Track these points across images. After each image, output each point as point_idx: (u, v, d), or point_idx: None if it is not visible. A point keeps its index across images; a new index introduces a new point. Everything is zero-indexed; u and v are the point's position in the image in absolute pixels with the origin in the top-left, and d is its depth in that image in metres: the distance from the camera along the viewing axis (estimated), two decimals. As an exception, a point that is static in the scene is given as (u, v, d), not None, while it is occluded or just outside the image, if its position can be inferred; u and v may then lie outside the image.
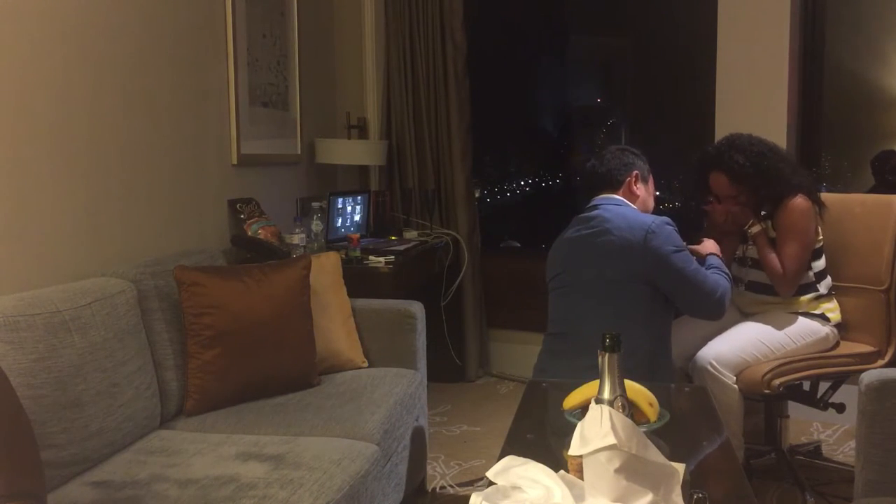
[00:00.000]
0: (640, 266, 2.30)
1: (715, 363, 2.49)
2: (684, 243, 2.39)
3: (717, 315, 2.42)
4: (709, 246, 2.57)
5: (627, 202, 2.47)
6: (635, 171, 2.50)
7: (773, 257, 2.65)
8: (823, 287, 2.72)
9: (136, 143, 2.55)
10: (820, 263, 2.74)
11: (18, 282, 2.05)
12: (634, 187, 2.50)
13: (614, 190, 2.49)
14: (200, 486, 1.78)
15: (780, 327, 2.63)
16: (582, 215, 2.48)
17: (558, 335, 2.43)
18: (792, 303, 2.70)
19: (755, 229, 2.70)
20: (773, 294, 2.71)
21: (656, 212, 2.56)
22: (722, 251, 2.72)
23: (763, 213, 2.72)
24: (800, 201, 2.63)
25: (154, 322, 2.26)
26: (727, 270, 2.46)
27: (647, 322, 2.32)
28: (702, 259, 2.49)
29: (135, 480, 1.83)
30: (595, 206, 2.46)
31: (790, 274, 2.63)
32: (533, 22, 4.74)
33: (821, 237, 2.74)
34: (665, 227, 2.33)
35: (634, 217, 2.38)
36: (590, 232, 2.39)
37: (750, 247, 2.76)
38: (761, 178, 2.65)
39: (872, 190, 3.80)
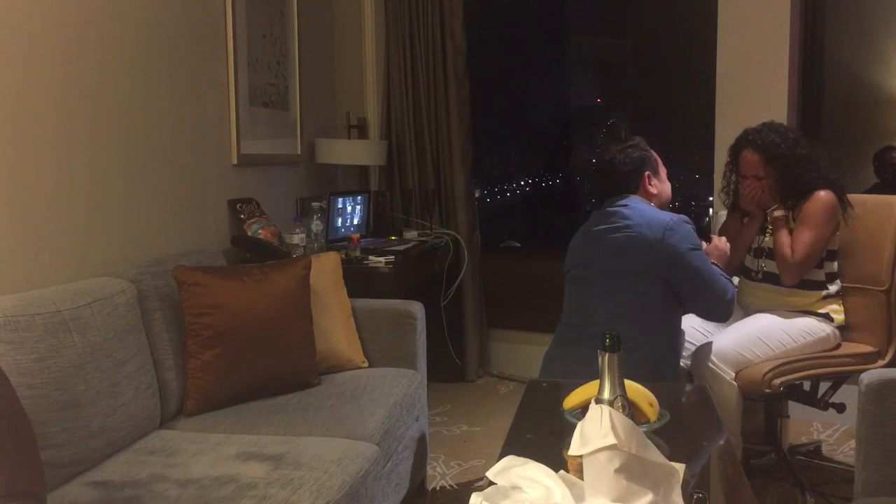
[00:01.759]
0: (656, 262, 2.34)
1: (714, 359, 2.50)
2: (701, 243, 2.43)
3: (724, 317, 2.46)
4: (712, 252, 2.56)
5: (645, 201, 2.50)
6: (647, 172, 2.53)
7: (786, 241, 2.66)
8: (833, 289, 2.73)
9: (136, 143, 2.55)
10: (834, 266, 2.74)
11: (18, 282, 2.05)
12: (649, 186, 2.53)
13: (630, 193, 2.52)
14: (200, 486, 1.78)
15: (781, 326, 2.63)
16: (603, 210, 2.52)
17: (569, 325, 2.48)
18: (800, 299, 2.70)
19: (778, 213, 2.71)
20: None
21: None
22: (743, 234, 2.72)
23: (788, 203, 2.72)
24: (825, 194, 2.65)
25: (154, 322, 2.26)
26: (727, 276, 2.47)
27: (656, 318, 2.36)
28: None
29: (135, 480, 1.83)
30: (616, 203, 2.49)
31: (798, 260, 2.64)
32: (533, 22, 4.74)
33: (837, 241, 2.73)
34: (683, 226, 2.38)
35: (653, 214, 2.42)
36: (609, 227, 2.44)
37: (767, 238, 2.76)
38: (793, 162, 2.66)
39: (874, 187, 3.80)
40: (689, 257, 2.35)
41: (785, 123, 2.79)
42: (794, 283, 2.69)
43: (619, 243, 2.39)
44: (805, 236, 2.64)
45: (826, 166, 2.72)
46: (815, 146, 2.76)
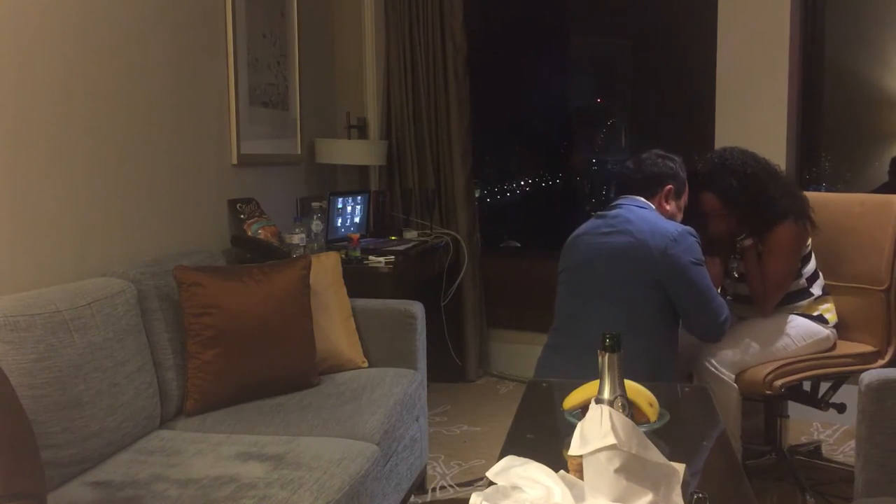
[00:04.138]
0: (656, 271, 2.28)
1: (714, 361, 2.49)
2: (703, 258, 2.37)
3: (716, 337, 2.42)
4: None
5: (653, 206, 2.45)
6: (669, 186, 2.48)
7: (756, 276, 2.65)
8: (817, 288, 2.72)
9: (137, 143, 2.55)
10: (809, 267, 2.72)
11: (18, 282, 2.05)
12: (664, 202, 2.48)
13: (644, 197, 2.47)
14: (200, 486, 1.78)
15: (781, 328, 2.63)
16: (603, 212, 2.46)
17: (561, 330, 2.42)
18: (790, 309, 2.70)
19: (747, 242, 2.68)
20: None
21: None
22: (715, 259, 2.70)
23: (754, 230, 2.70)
24: (787, 227, 2.61)
25: (154, 322, 2.26)
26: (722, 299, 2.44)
27: (652, 328, 2.30)
28: None
29: (135, 480, 1.83)
30: (619, 205, 2.43)
31: (770, 292, 2.64)
32: (533, 22, 4.74)
33: (808, 245, 2.72)
34: (688, 238, 2.31)
35: (658, 222, 2.35)
36: (609, 230, 2.38)
37: (737, 259, 2.74)
38: (752, 203, 2.62)
39: (881, 187, 3.79)
40: (691, 272, 2.29)
41: (738, 151, 2.70)
42: (771, 311, 2.67)
43: (619, 248, 2.32)
44: (773, 268, 2.62)
45: (786, 195, 2.66)
46: (773, 172, 2.69)
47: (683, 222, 2.53)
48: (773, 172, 2.71)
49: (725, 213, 2.67)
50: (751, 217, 2.65)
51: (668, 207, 2.49)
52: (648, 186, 2.48)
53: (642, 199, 2.46)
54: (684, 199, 2.56)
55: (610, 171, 4.81)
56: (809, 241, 2.71)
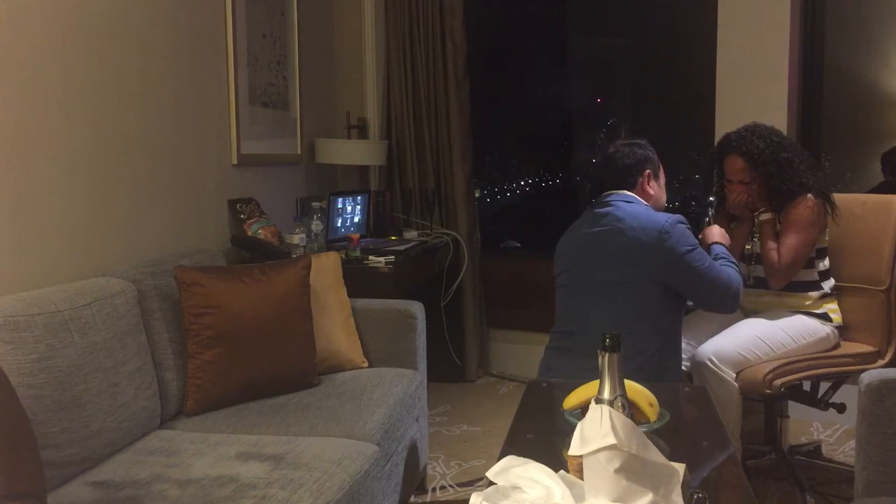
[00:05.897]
0: (653, 267, 2.28)
1: (715, 359, 2.49)
2: (696, 241, 2.38)
3: (733, 309, 2.42)
4: (715, 234, 2.56)
5: (640, 199, 2.45)
6: (647, 171, 2.48)
7: (772, 246, 2.67)
8: (827, 286, 2.73)
9: (137, 143, 2.55)
10: (825, 263, 2.75)
11: (18, 282, 2.05)
12: (647, 187, 2.48)
13: (626, 189, 2.47)
14: (200, 486, 1.78)
15: (781, 326, 2.63)
16: (593, 211, 2.45)
17: (565, 333, 2.41)
18: (797, 300, 2.71)
19: (765, 216, 2.71)
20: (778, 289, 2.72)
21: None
22: (732, 239, 2.72)
23: (774, 205, 2.72)
24: (809, 198, 2.65)
25: (154, 322, 2.26)
26: (733, 259, 2.46)
27: (655, 323, 2.31)
28: (706, 247, 2.48)
29: (135, 480, 1.83)
30: (607, 203, 2.43)
31: (783, 265, 2.64)
32: (533, 22, 4.74)
33: (827, 238, 2.74)
34: (678, 227, 2.32)
35: (647, 216, 2.34)
36: (601, 230, 2.37)
37: (755, 241, 2.77)
38: (776, 168, 2.66)
39: (879, 186, 3.78)
40: (689, 259, 2.29)
41: (767, 125, 2.77)
42: (781, 287, 2.70)
43: (613, 249, 2.32)
44: (791, 241, 2.64)
45: (810, 169, 2.71)
46: (798, 148, 2.76)
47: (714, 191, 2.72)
48: (800, 150, 2.76)
49: (748, 179, 2.70)
50: (772, 183, 2.67)
51: (651, 192, 2.49)
52: (628, 178, 2.48)
53: (627, 192, 2.45)
54: (662, 178, 2.57)
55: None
56: (828, 233, 2.74)
